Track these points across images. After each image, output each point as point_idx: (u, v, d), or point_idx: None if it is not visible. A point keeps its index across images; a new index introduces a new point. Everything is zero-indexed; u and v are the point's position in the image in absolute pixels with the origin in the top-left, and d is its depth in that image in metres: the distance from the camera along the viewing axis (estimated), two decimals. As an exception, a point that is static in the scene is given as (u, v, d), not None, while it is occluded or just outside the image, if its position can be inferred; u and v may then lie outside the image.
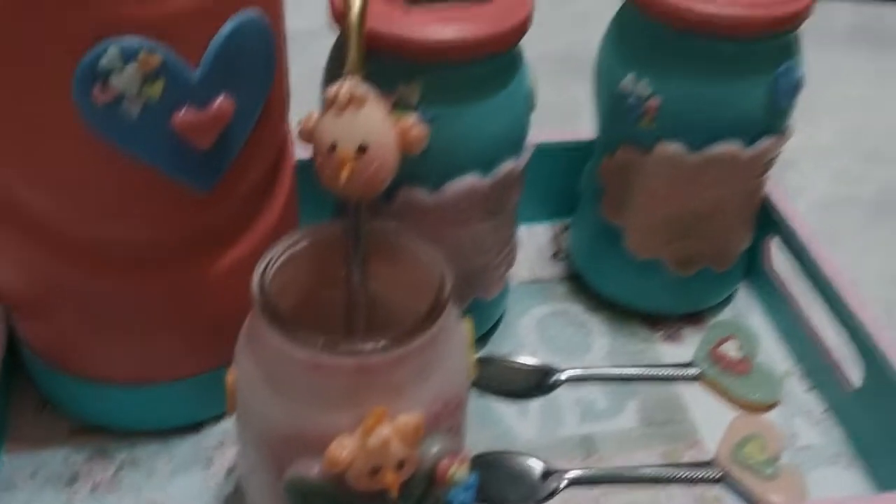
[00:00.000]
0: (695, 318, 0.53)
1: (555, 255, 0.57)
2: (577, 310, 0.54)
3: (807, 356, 0.50)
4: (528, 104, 0.44)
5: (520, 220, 0.50)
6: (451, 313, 0.35)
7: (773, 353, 0.51)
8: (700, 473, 0.44)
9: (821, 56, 0.80)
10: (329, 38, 0.43)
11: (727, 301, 0.54)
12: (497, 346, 0.51)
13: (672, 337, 0.52)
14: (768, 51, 0.43)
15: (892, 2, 0.87)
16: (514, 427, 0.47)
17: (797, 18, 0.43)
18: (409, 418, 0.31)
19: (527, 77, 0.43)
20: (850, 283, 0.47)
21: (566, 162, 0.55)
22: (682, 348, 0.51)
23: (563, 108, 0.68)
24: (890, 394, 0.43)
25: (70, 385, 0.44)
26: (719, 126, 0.45)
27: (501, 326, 0.52)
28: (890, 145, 0.70)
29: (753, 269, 0.55)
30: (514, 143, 0.44)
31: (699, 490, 0.44)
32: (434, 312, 0.33)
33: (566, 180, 0.55)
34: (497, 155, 0.43)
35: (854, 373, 0.46)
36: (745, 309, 0.54)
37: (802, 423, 0.48)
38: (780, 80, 0.44)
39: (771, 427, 0.46)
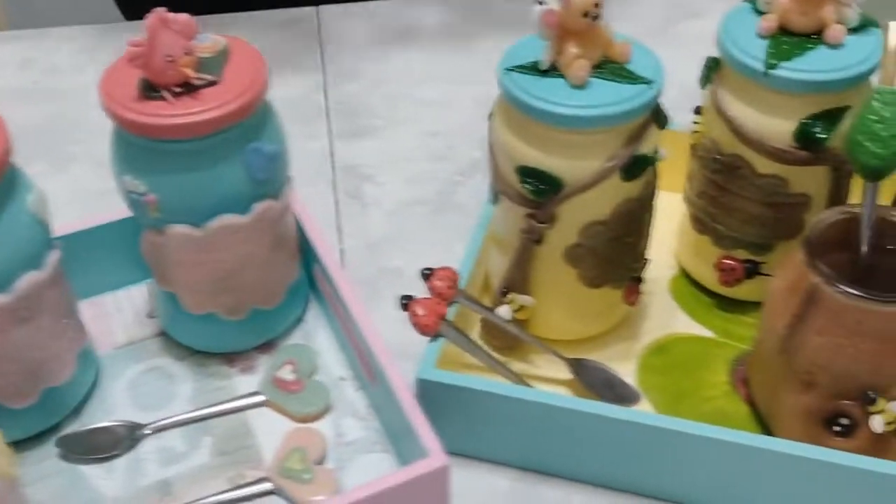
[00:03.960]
0: (268, 346, 0.62)
1: (149, 315, 0.64)
2: (166, 362, 0.62)
3: (355, 363, 0.60)
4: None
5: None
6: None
7: (334, 363, 0.61)
8: (257, 490, 0.54)
9: (395, 64, 0.90)
10: None
11: (298, 323, 0.64)
12: (90, 417, 0.58)
13: (247, 369, 0.61)
14: (229, 140, 0.52)
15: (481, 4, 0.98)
16: (101, 487, 0.55)
17: (246, 113, 0.51)
18: None
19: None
20: (360, 303, 0.57)
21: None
22: (257, 377, 0.61)
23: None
24: (388, 391, 0.53)
25: None
26: (211, 205, 0.53)
27: (96, 394, 0.59)
28: (458, 145, 0.80)
29: (315, 292, 0.64)
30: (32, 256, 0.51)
31: (260, 504, 0.54)
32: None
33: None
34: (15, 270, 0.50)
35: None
36: (314, 328, 0.64)
37: (351, 421, 0.58)
38: (250, 158, 0.53)
39: (313, 436, 0.56)
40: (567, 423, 0.52)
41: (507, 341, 0.61)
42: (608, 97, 0.50)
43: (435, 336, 0.55)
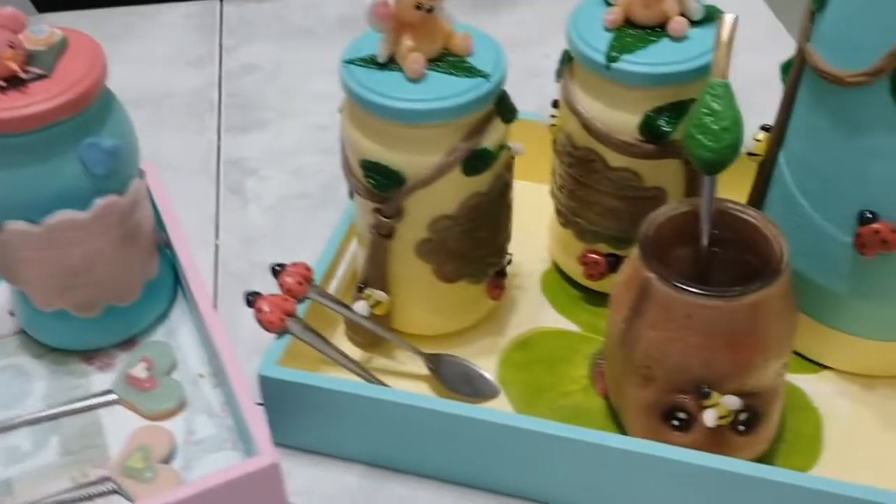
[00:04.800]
0: (130, 343, 0.61)
1: (11, 312, 0.63)
2: (24, 360, 0.61)
3: (213, 359, 0.59)
4: None
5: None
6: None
7: (194, 360, 0.61)
8: (98, 489, 0.53)
9: (293, 56, 0.89)
10: None
11: (162, 320, 0.63)
12: (-62, 415, 0.57)
13: (105, 367, 0.60)
14: (62, 135, 0.51)
15: None
16: (-60, 488, 0.54)
17: (78, 107, 0.50)
18: None
19: None
20: (206, 298, 0.56)
21: None
22: (114, 375, 0.60)
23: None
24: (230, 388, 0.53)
25: None
26: (47, 200, 0.52)
27: (-52, 394, 0.59)
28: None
29: (181, 288, 0.63)
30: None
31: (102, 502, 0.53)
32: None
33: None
34: None
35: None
36: (177, 325, 0.63)
37: (204, 419, 0.57)
38: (87, 153, 0.52)
39: (160, 434, 0.55)
40: (410, 419, 0.52)
41: (370, 337, 0.60)
42: (443, 91, 0.50)
43: (281, 333, 0.54)
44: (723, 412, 0.49)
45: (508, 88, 0.54)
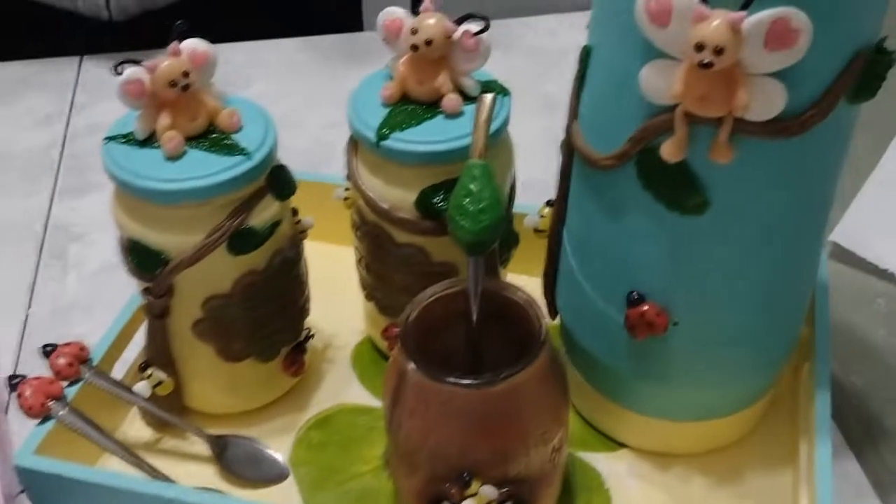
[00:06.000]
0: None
1: None
2: None
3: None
4: None
5: None
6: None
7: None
8: None
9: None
10: None
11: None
12: None
13: None
14: None
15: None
16: None
17: None
18: None
19: None
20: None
21: None
22: None
23: None
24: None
25: None
26: None
27: None
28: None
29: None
30: None
31: None
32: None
33: None
34: None
35: None
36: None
37: (-25, 506, 0.55)
38: None
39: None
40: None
41: (158, 417, 0.58)
42: (200, 170, 0.48)
43: (43, 419, 0.52)
44: (482, 501, 0.47)
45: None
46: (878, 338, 0.66)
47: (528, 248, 0.60)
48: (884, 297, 0.69)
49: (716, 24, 0.37)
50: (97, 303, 0.69)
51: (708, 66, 0.38)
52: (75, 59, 0.96)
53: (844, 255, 0.71)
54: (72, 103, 0.90)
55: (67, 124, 0.87)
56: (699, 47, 0.38)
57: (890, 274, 0.70)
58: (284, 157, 0.53)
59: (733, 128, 0.40)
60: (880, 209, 0.74)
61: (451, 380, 0.46)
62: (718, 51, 0.37)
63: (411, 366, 0.47)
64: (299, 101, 0.90)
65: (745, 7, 0.37)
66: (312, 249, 0.60)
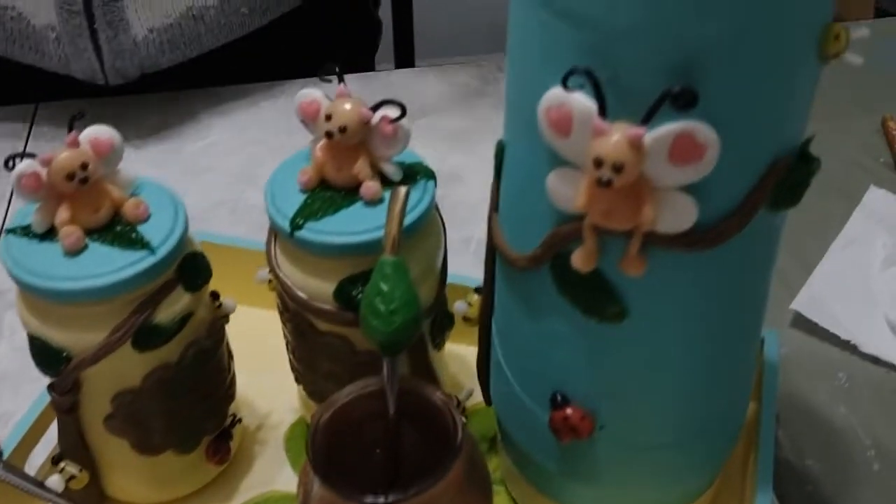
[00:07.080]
0: None
1: None
2: None
3: None
4: None
5: None
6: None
7: None
8: None
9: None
10: None
11: None
12: None
13: None
14: None
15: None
16: None
17: None
18: None
19: None
20: None
21: None
22: None
23: None
24: None
25: None
26: None
27: None
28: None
29: None
30: None
31: None
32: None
33: None
34: None
35: None
36: None
37: None
38: None
39: None
40: None
41: (78, 508, 0.56)
42: (98, 267, 0.46)
43: (-57, 522, 0.50)
44: None
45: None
46: (838, 416, 0.63)
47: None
48: (845, 371, 0.66)
49: (615, 139, 0.35)
50: (25, 377, 0.66)
51: (608, 183, 0.35)
52: (30, 108, 0.94)
53: (807, 324, 0.69)
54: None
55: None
56: (598, 163, 0.35)
57: (853, 346, 0.67)
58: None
59: (645, 239, 0.38)
60: (844, 276, 0.71)
61: (356, 498, 0.43)
62: (617, 168, 0.35)
63: (317, 482, 0.44)
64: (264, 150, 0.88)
65: (646, 121, 0.35)
66: (247, 316, 0.58)
